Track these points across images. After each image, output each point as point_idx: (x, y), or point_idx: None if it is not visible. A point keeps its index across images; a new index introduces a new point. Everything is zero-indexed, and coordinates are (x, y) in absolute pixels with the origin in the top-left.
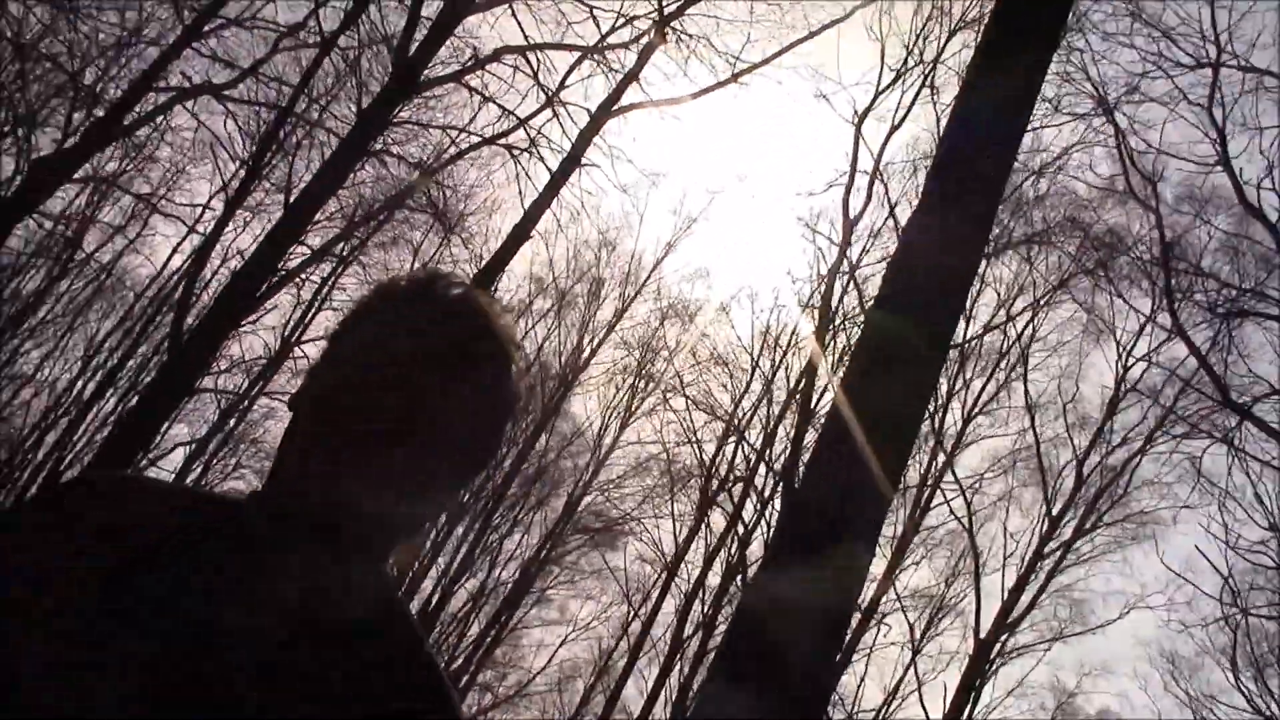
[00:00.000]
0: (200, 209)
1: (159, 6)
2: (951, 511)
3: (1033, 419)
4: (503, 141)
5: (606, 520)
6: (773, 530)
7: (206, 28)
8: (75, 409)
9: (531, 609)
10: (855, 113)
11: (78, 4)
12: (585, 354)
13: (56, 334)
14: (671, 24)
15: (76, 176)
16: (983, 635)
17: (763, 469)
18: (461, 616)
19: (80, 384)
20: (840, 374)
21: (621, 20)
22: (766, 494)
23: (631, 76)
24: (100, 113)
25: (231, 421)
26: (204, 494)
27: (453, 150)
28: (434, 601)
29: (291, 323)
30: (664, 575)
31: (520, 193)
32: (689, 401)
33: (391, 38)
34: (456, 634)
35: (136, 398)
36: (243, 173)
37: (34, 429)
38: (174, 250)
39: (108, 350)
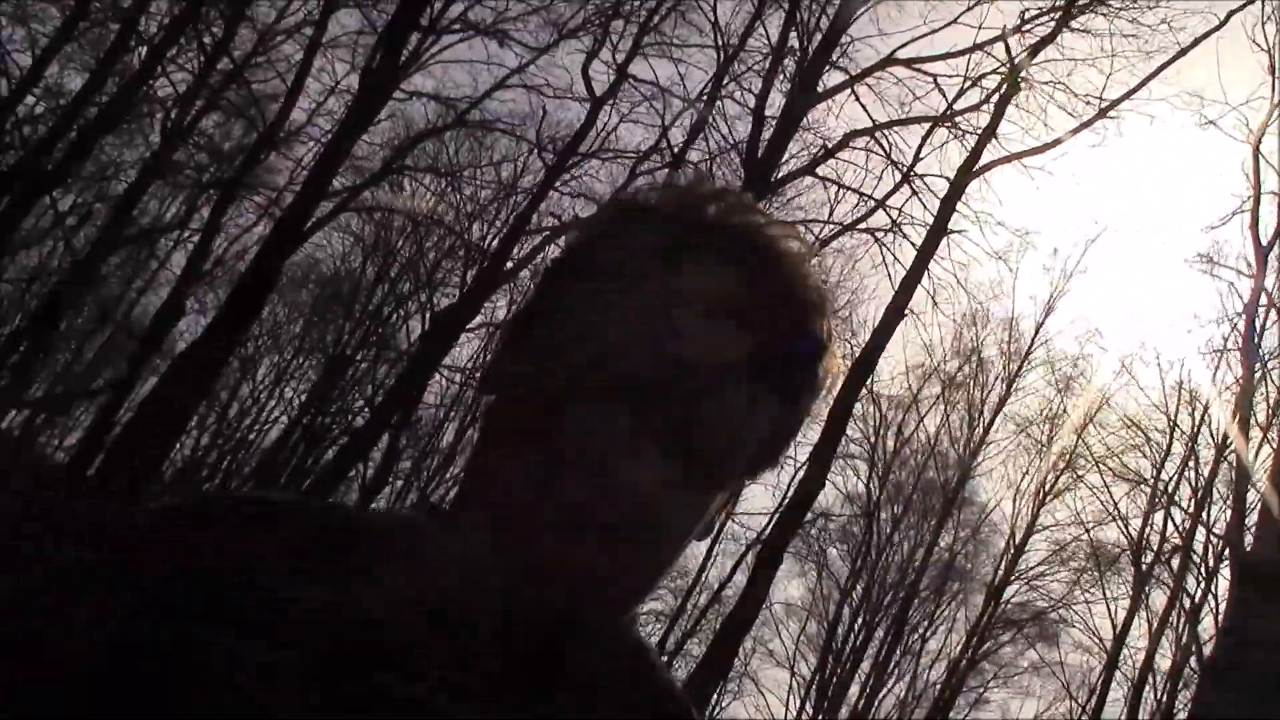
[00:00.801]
0: None
1: (530, 158)
2: None
3: None
4: (864, 226)
5: (1033, 610)
6: (1227, 601)
7: (569, 163)
8: None
9: (968, 712)
10: (1250, 131)
11: (459, 173)
12: (979, 435)
13: None
14: (1022, 75)
15: (470, 326)
16: None
17: (1201, 535)
18: None
19: None
20: None
21: (968, 83)
22: (1210, 563)
23: (988, 134)
24: (485, 264)
25: None
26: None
27: (815, 244)
28: (859, 708)
29: None
30: (1105, 663)
31: (890, 276)
32: (1104, 472)
33: (740, 144)
34: None
35: None
36: None
37: None
38: None
39: None
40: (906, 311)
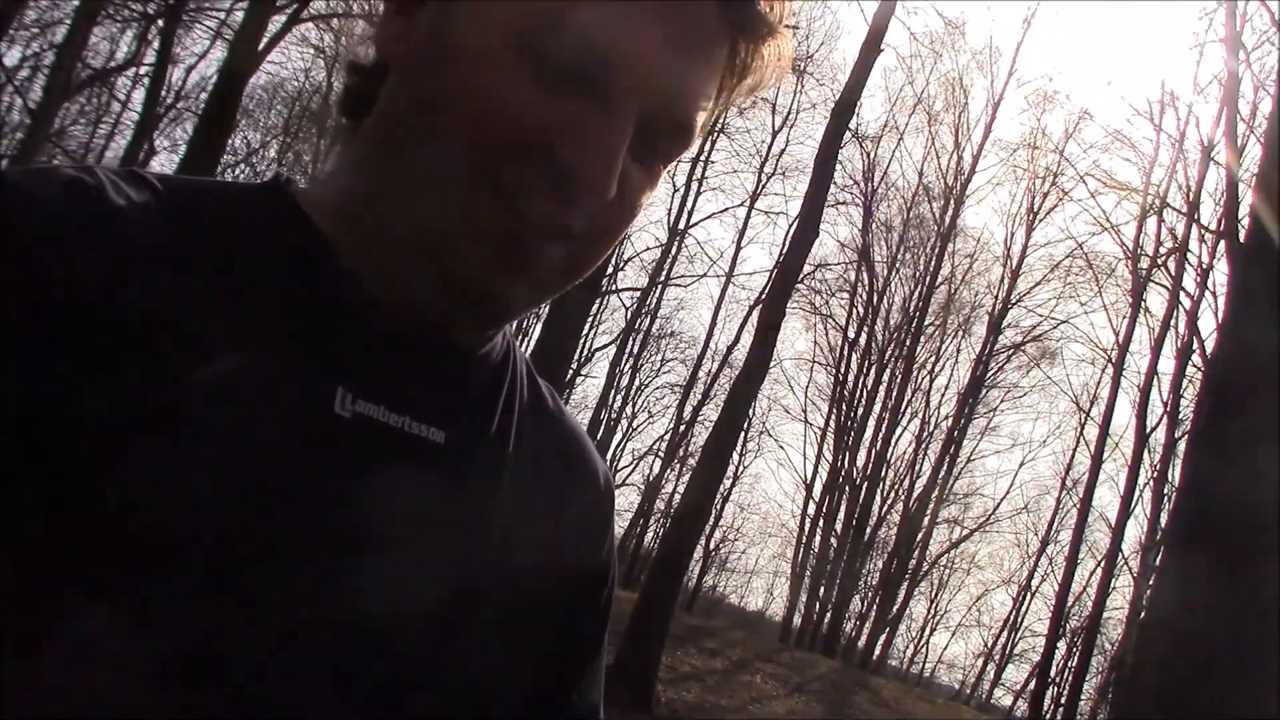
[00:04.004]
0: None
1: None
2: None
3: None
4: None
5: (1033, 329)
6: (1227, 292)
7: None
8: None
9: (980, 439)
10: None
11: None
12: (966, 164)
13: None
14: None
15: None
16: None
17: (1196, 235)
18: (909, 460)
19: None
20: None
21: None
22: (1206, 259)
23: None
24: None
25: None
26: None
27: None
28: (876, 448)
29: (676, 210)
30: (1111, 370)
31: (863, 11)
32: (1092, 185)
33: None
34: (907, 476)
35: None
36: None
37: None
38: None
39: None
40: (882, 46)
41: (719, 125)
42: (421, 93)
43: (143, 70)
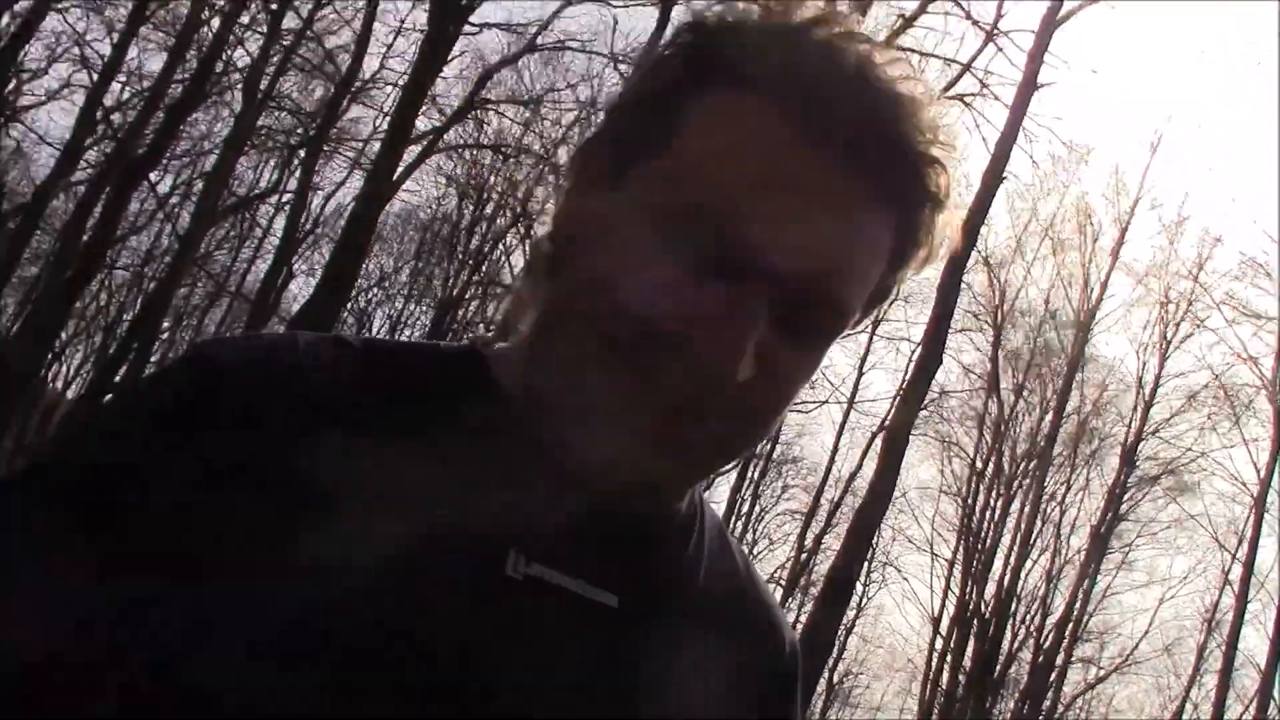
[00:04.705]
0: None
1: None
2: None
3: None
4: (952, 92)
5: (1170, 463)
6: None
7: None
8: None
9: (1116, 574)
10: None
11: (539, 99)
12: (1095, 290)
13: None
14: None
15: None
16: None
17: None
18: (1040, 596)
19: None
20: None
21: None
22: None
23: None
24: None
25: None
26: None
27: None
28: (1005, 582)
29: None
30: (1252, 507)
31: (984, 140)
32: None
33: None
34: (1038, 613)
35: None
36: None
37: None
38: None
39: None
40: (1005, 175)
41: (896, 294)
42: (585, 272)
43: (284, 198)
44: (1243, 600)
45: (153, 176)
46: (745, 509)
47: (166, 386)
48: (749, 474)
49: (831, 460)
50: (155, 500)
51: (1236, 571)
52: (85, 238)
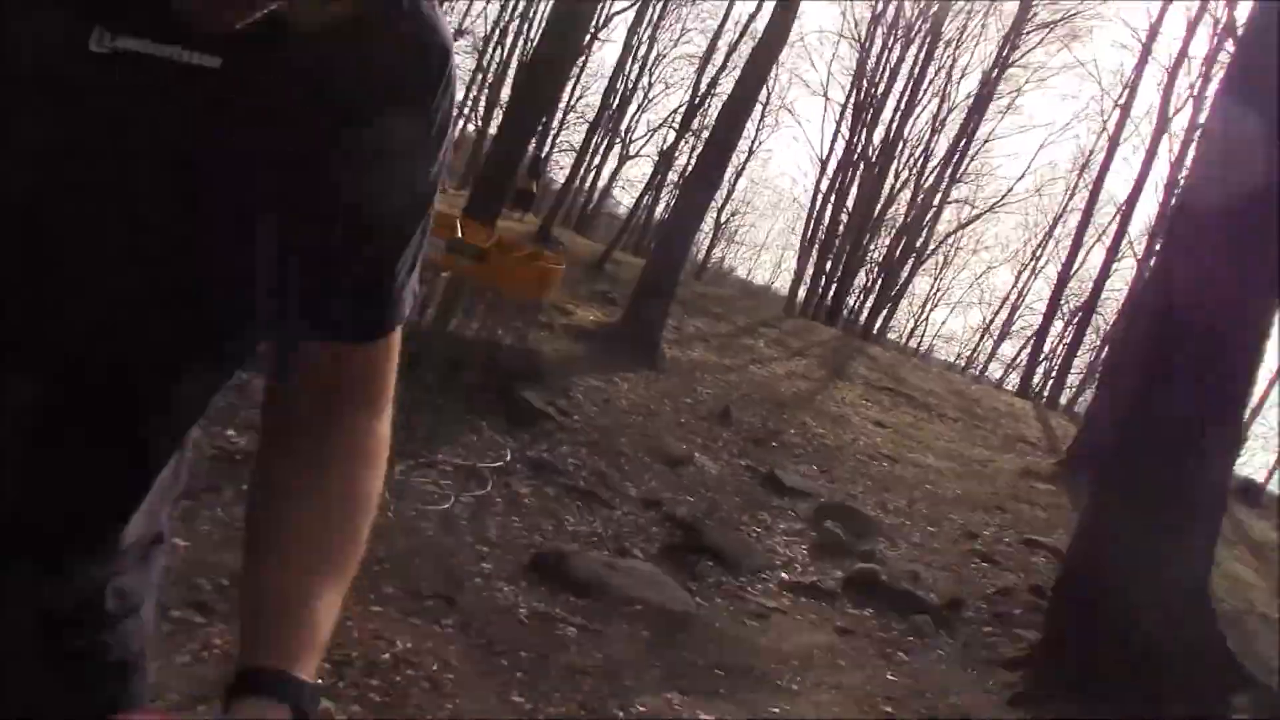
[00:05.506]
0: None
1: None
2: None
3: None
4: None
5: (1068, 10)
6: None
7: None
8: None
9: (1001, 119)
10: None
11: None
12: None
13: None
14: None
15: None
16: None
17: None
18: (925, 139)
19: None
20: None
21: None
22: None
23: None
24: None
25: None
26: None
27: None
28: (893, 126)
29: None
30: (1141, 54)
31: None
32: None
33: None
34: (922, 157)
35: None
36: None
37: None
38: None
39: None
40: None
41: None
42: None
43: None
44: (1115, 141)
45: None
46: (641, 52)
47: None
48: (647, 13)
49: (731, 3)
50: None
51: (1115, 120)
52: None
